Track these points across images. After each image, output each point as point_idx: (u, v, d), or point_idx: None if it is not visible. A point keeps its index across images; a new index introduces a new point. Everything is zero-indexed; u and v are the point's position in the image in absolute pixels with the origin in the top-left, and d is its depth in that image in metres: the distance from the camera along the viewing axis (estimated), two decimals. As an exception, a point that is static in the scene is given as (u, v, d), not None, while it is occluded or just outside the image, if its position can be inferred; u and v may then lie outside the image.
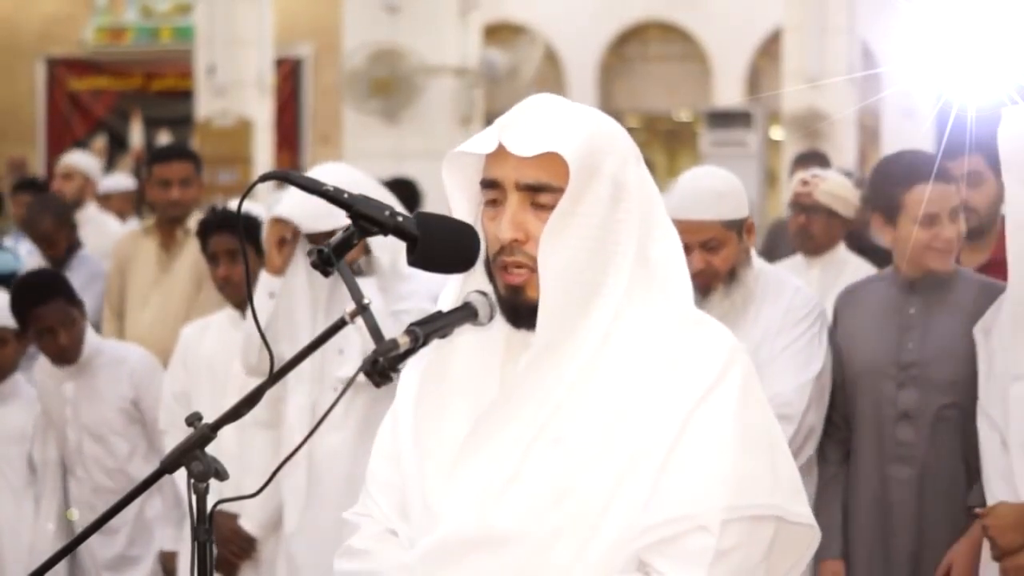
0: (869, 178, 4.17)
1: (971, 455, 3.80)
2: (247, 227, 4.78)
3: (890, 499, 3.91)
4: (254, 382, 4.46)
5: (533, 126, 2.11)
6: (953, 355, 3.83)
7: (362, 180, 4.36)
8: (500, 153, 2.13)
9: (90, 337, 4.93)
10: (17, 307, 4.82)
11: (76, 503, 4.94)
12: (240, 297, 4.82)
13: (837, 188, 5.38)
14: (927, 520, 3.88)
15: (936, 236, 3.82)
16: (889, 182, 3.91)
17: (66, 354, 4.84)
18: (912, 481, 3.89)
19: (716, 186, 3.90)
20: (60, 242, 6.55)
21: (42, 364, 5.05)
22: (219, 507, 2.06)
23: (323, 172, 4.36)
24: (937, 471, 3.88)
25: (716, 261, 3.84)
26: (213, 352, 4.79)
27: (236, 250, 4.78)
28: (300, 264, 4.40)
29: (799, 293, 4.00)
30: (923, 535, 3.88)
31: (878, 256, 5.46)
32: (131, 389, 4.93)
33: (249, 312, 4.61)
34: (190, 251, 5.84)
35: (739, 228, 3.89)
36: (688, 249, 3.78)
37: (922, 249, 3.85)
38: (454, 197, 2.21)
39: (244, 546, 4.65)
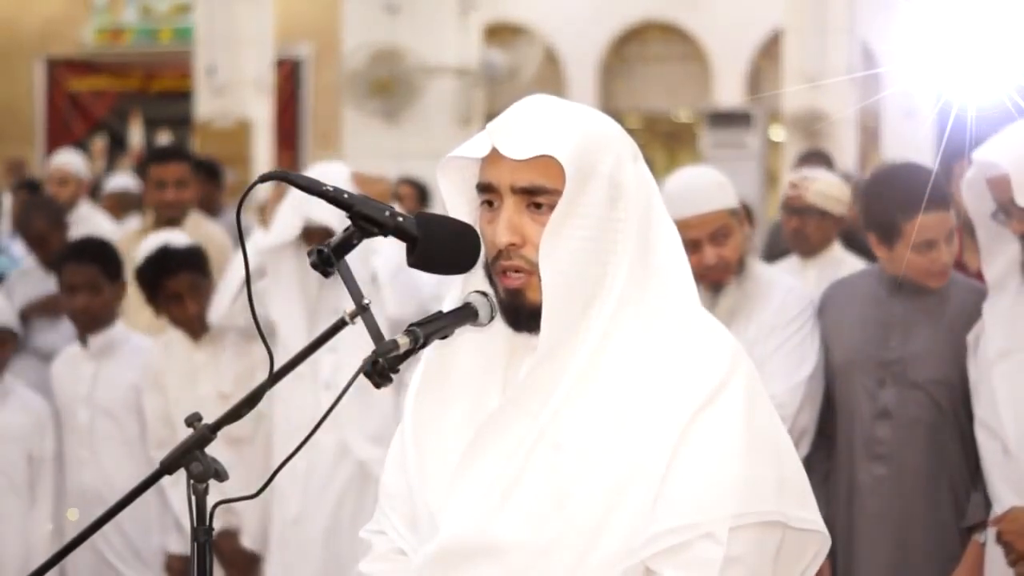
0: (863, 195, 4.12)
1: (949, 458, 3.81)
2: (199, 263, 4.80)
3: (863, 497, 3.90)
4: (222, 405, 4.50)
5: (526, 128, 2.09)
6: (936, 356, 3.83)
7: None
8: (494, 156, 2.11)
9: (120, 324, 5.09)
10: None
11: (78, 486, 4.97)
12: (198, 326, 4.82)
13: (828, 188, 5.36)
14: (903, 521, 3.86)
15: (934, 261, 3.81)
16: (889, 207, 3.83)
17: (82, 318, 4.98)
18: (886, 480, 3.87)
19: (711, 177, 3.98)
20: (53, 243, 6.53)
21: (64, 352, 5.17)
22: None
23: (323, 171, 4.40)
24: (913, 471, 3.86)
25: (727, 252, 3.87)
26: (179, 372, 4.80)
27: (195, 285, 4.79)
28: (291, 264, 4.44)
29: (791, 292, 4.01)
30: (900, 535, 3.87)
31: (873, 255, 5.45)
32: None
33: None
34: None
35: (738, 218, 3.93)
36: (698, 246, 3.80)
37: (919, 273, 3.85)
38: (452, 201, 2.19)
39: (249, 564, 4.65)
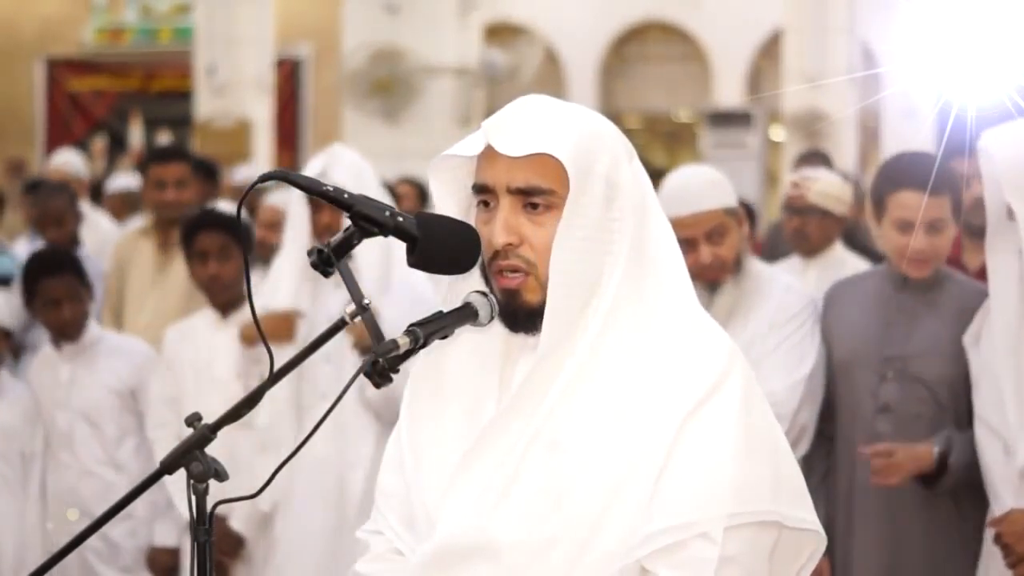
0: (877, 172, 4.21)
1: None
2: (233, 228, 4.79)
3: (864, 493, 3.89)
4: (237, 387, 4.49)
5: (523, 126, 2.09)
6: (937, 353, 3.84)
7: (366, 171, 4.40)
8: (490, 156, 2.11)
9: (93, 325, 5.01)
10: (27, 277, 4.91)
11: (60, 489, 4.95)
12: (225, 298, 4.80)
13: (829, 187, 5.36)
14: (902, 518, 3.87)
15: (911, 247, 3.82)
16: (881, 179, 3.94)
17: (67, 329, 4.89)
18: None
19: (709, 176, 3.97)
20: (68, 223, 6.52)
21: (40, 352, 5.12)
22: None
23: (333, 155, 4.39)
24: None
25: (723, 252, 3.86)
26: (196, 355, 4.78)
27: (226, 247, 4.76)
28: None
29: (790, 291, 4.01)
30: (899, 532, 3.87)
31: (875, 256, 5.45)
32: (131, 378, 4.97)
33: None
34: (187, 252, 5.84)
35: (736, 218, 3.92)
36: (694, 244, 3.79)
37: (894, 253, 3.86)
38: (442, 202, 2.18)
39: (234, 545, 4.65)
